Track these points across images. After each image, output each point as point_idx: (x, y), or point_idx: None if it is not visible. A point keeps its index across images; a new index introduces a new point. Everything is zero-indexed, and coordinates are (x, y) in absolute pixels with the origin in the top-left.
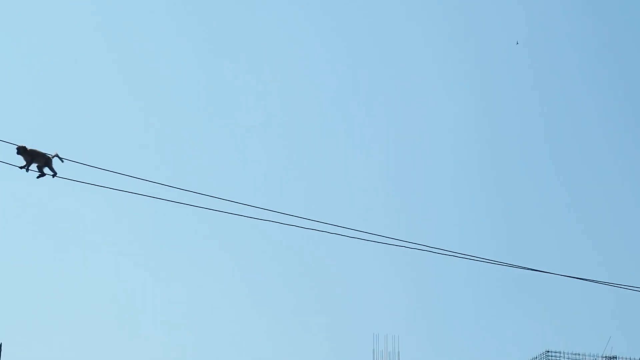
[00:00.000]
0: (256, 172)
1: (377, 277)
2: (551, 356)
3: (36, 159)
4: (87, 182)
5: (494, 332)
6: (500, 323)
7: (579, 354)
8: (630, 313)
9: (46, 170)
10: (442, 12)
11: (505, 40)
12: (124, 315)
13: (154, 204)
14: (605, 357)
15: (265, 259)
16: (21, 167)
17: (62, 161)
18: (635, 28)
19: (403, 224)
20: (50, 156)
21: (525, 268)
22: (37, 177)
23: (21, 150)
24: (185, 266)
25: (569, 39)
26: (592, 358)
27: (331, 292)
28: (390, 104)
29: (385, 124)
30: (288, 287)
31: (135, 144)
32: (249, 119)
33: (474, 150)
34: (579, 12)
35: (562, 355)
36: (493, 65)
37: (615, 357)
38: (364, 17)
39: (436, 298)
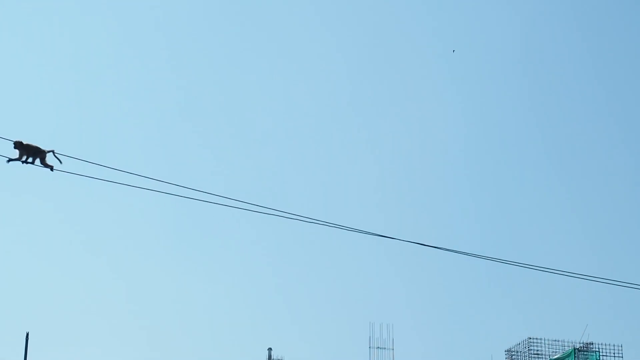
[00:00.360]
0: (261, 175)
1: (373, 271)
2: (533, 342)
3: (31, 153)
4: (118, 182)
5: (481, 321)
6: (486, 312)
7: (557, 340)
8: (605, 303)
9: (37, 162)
10: (446, 25)
11: (502, 49)
12: (142, 304)
13: (172, 202)
14: (582, 343)
15: (271, 253)
16: (9, 160)
17: (61, 162)
18: (624, 31)
19: (398, 220)
20: (45, 151)
21: (510, 263)
22: (21, 163)
23: (17, 145)
24: (198, 260)
25: (560, 47)
26: (570, 344)
27: (332, 285)
28: (398, 111)
29: (391, 129)
30: (293, 280)
31: (156, 148)
32: (263, 125)
33: (464, 153)
34: (569, 26)
35: (542, 341)
36: (492, 74)
37: (592, 343)
38: (373, 24)
39: (427, 290)
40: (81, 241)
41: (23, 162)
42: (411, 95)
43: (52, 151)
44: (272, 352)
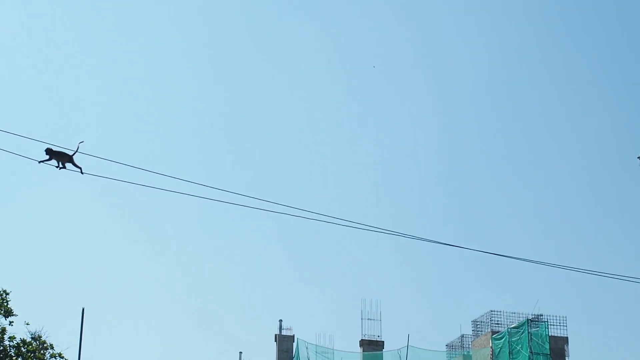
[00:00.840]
0: (268, 176)
1: (366, 256)
2: (494, 314)
3: (62, 158)
4: (163, 188)
5: (452, 297)
6: (457, 290)
7: (514, 313)
8: (553, 283)
9: (69, 166)
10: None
11: (480, 60)
12: (181, 283)
13: (206, 204)
14: (534, 315)
15: (282, 244)
16: (40, 162)
17: (82, 173)
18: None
19: (388, 213)
20: (72, 155)
21: (479, 251)
22: (59, 168)
23: (48, 151)
24: (224, 248)
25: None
26: (524, 315)
27: (331, 270)
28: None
29: (385, 129)
30: (299, 265)
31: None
32: (277, 131)
33: (449, 155)
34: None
35: (502, 313)
36: (474, 83)
37: (542, 315)
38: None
39: (409, 272)
40: (131, 230)
41: (58, 167)
42: (404, 107)
43: (79, 146)
44: (282, 323)
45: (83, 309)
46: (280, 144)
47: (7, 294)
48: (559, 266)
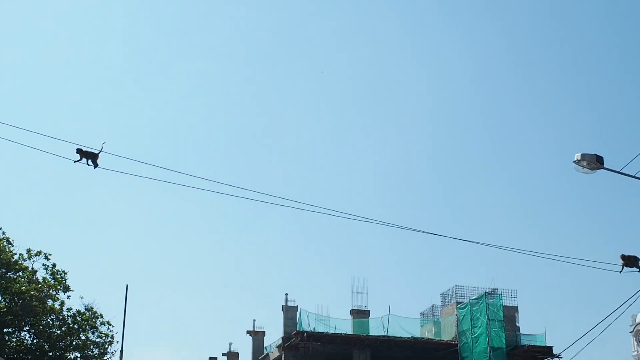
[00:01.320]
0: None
1: (356, 242)
2: (458, 288)
3: (88, 156)
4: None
5: (423, 274)
6: (427, 268)
7: (475, 287)
8: (507, 262)
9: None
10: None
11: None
12: (209, 264)
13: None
14: (490, 288)
15: (287, 233)
16: (75, 161)
17: (94, 166)
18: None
19: (379, 206)
20: (97, 153)
21: (445, 236)
22: (95, 168)
23: (78, 151)
24: (238, 235)
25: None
26: (482, 289)
27: (326, 253)
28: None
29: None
30: (302, 250)
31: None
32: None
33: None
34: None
35: (465, 287)
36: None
37: (497, 289)
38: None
39: (391, 254)
40: (166, 220)
41: (90, 165)
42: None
43: (102, 149)
44: (288, 296)
45: (127, 285)
46: (292, 152)
47: (66, 273)
48: (511, 249)
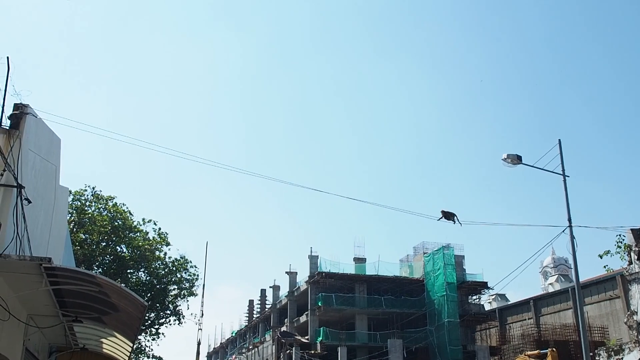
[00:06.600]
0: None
1: (357, 212)
2: (425, 243)
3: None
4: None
5: (402, 233)
6: (405, 230)
7: (436, 242)
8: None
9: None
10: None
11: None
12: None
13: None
14: (446, 243)
15: (311, 208)
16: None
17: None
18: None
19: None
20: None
21: (417, 214)
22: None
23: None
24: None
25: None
26: (441, 244)
27: (337, 219)
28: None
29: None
30: (322, 217)
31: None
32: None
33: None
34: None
35: (429, 243)
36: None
37: (450, 243)
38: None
39: (380, 222)
40: (230, 200)
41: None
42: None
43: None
44: (312, 249)
45: (207, 242)
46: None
47: (167, 234)
48: (475, 222)
